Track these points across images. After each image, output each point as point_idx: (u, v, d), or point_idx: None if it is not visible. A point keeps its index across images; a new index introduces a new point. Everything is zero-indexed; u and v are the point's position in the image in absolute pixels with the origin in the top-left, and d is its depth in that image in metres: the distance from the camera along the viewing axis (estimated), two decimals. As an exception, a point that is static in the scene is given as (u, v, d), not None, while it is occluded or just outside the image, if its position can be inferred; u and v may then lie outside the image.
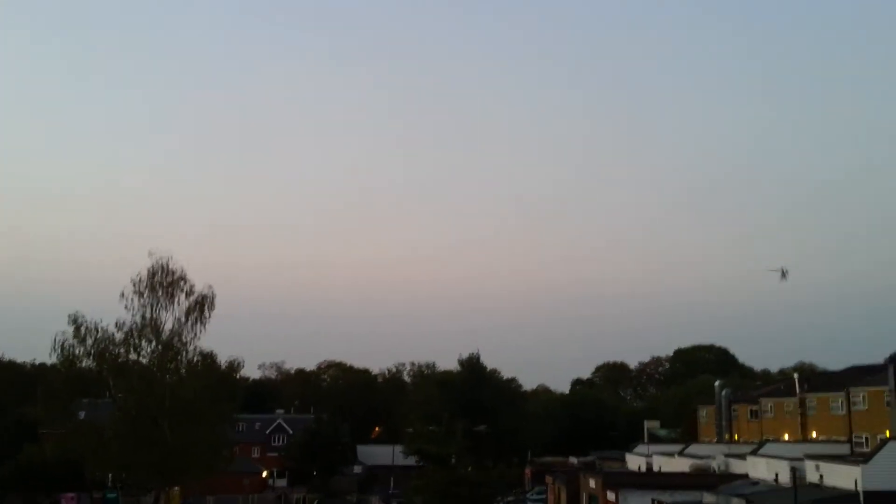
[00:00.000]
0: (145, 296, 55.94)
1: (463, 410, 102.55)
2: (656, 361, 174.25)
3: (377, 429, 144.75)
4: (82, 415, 61.08)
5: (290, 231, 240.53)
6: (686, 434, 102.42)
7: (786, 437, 76.92)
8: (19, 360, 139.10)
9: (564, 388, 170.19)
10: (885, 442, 45.49)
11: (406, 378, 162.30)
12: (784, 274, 72.69)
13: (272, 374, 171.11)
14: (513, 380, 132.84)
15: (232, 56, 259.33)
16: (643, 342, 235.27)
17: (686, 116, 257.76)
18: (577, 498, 64.95)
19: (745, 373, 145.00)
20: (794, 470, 46.67)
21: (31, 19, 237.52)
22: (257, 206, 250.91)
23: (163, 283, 56.21)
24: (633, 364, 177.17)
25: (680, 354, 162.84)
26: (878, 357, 68.62)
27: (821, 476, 45.45)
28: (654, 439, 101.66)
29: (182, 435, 54.33)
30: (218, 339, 58.32)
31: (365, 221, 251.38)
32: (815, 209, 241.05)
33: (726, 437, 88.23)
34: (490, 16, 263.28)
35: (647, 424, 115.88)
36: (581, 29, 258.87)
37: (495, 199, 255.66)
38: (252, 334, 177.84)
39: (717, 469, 60.93)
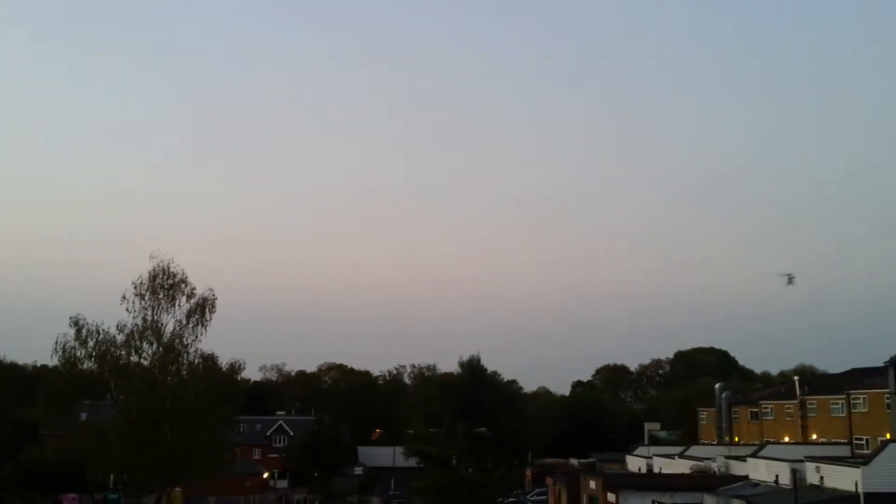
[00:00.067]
0: (146, 298, 55.92)
1: (463, 412, 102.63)
2: (657, 364, 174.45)
3: (378, 430, 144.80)
4: (83, 416, 60.94)
5: (290, 232, 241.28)
6: (686, 436, 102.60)
7: (786, 439, 77.02)
8: (19, 361, 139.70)
9: (565, 390, 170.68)
10: (885, 444, 45.59)
11: (407, 380, 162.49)
12: (791, 280, 72.61)
13: (273, 375, 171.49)
14: (513, 382, 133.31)
15: (232, 56, 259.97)
16: (643, 344, 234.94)
17: (686, 116, 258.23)
18: (577, 499, 65.01)
19: (745, 375, 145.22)
20: (794, 472, 46.82)
21: (31, 19, 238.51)
22: (257, 207, 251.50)
23: (164, 285, 56.18)
24: (633, 366, 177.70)
25: (680, 357, 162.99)
26: (878, 359, 68.65)
27: (821, 478, 45.54)
28: (655, 441, 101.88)
29: (183, 437, 54.33)
30: (219, 341, 58.44)
31: (365, 222, 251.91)
32: (815, 209, 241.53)
33: (727, 439, 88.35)
34: (490, 16, 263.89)
35: (647, 426, 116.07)
36: (581, 29, 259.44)
37: (495, 199, 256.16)
38: (253, 336, 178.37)
39: (717, 471, 60.98)
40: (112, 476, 73.83)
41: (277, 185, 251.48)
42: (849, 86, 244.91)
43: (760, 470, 53.18)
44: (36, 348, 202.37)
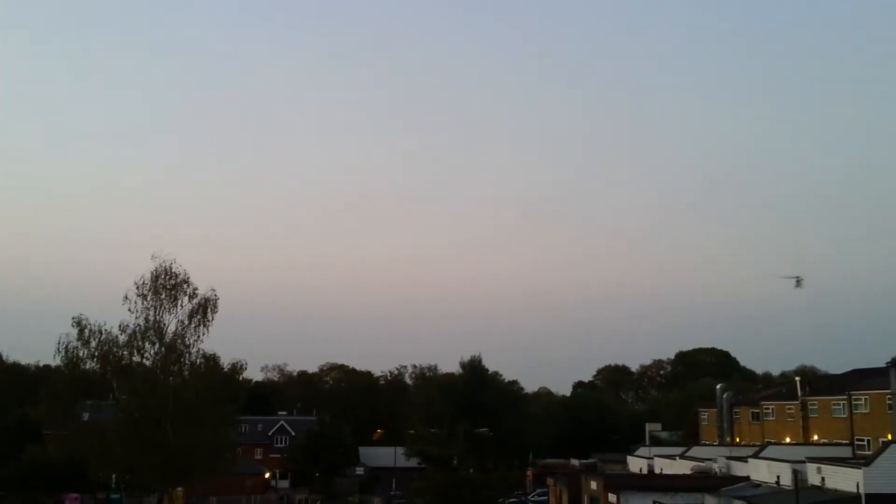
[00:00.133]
0: (149, 298, 56.06)
1: (464, 412, 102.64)
2: (658, 364, 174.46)
3: (379, 431, 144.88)
4: (86, 416, 61.12)
5: (290, 232, 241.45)
6: (687, 436, 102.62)
7: (787, 439, 77.01)
8: (21, 361, 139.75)
9: (566, 390, 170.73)
10: (886, 445, 45.56)
11: (408, 380, 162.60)
12: (799, 282, 71.81)
13: (275, 376, 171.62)
14: (514, 382, 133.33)
15: (232, 56, 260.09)
16: (645, 345, 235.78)
17: (686, 116, 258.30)
18: (578, 500, 64.98)
19: (746, 376, 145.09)
20: (795, 472, 46.84)
21: (31, 19, 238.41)
22: (257, 207, 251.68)
23: (166, 285, 56.32)
24: (634, 367, 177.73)
25: (681, 357, 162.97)
26: (879, 360, 68.78)
27: (822, 479, 45.56)
28: (656, 442, 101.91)
29: (185, 437, 54.46)
30: (221, 341, 58.59)
31: (365, 222, 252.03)
32: (815, 209, 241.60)
33: (728, 439, 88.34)
34: (490, 16, 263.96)
35: (648, 427, 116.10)
36: (581, 29, 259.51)
37: (495, 200, 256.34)
38: (254, 337, 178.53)
39: (718, 471, 61.01)
40: (114, 476, 73.99)
41: (277, 185, 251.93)
42: (849, 86, 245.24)
43: (762, 471, 53.19)
44: (36, 348, 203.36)
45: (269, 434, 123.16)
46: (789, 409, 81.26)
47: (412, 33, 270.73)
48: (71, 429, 58.17)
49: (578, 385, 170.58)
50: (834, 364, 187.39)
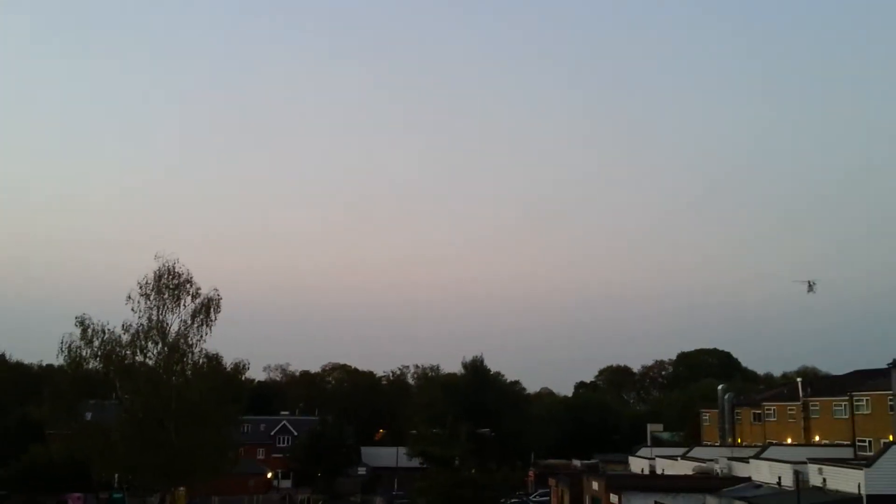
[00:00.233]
0: (152, 298, 56.12)
1: (467, 413, 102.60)
2: (659, 365, 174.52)
3: (381, 431, 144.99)
4: (89, 416, 61.27)
5: (291, 232, 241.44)
6: (689, 437, 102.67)
7: (789, 440, 77.04)
8: (24, 361, 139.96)
9: (568, 391, 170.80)
10: (888, 446, 45.59)
11: (410, 380, 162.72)
12: (811, 287, 70.79)
13: (277, 376, 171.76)
14: (516, 382, 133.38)
15: (232, 56, 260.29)
16: (646, 345, 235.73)
17: (686, 116, 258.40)
18: (580, 500, 65.07)
19: (748, 376, 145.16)
20: (797, 473, 46.92)
21: (31, 19, 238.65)
22: (258, 207, 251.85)
23: (169, 285, 56.39)
24: (636, 367, 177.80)
25: (683, 358, 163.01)
26: (881, 361, 68.73)
27: (824, 480, 45.62)
28: (658, 442, 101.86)
29: (188, 436, 54.56)
30: (223, 341, 58.69)
31: (365, 222, 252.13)
32: (815, 209, 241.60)
33: (729, 440, 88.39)
34: (490, 16, 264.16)
35: (650, 427, 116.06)
36: (581, 29, 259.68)
37: (495, 200, 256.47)
38: (257, 337, 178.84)
39: (720, 472, 61.08)
40: (117, 475, 74.03)
41: (278, 185, 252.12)
42: (849, 86, 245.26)
43: (763, 471, 53.27)
44: (37, 348, 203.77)
45: (272, 434, 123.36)
46: (791, 409, 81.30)
47: (412, 33, 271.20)
48: (74, 428, 58.22)
49: (580, 385, 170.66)
50: (835, 365, 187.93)
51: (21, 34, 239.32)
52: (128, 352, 55.60)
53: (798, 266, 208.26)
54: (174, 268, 56.65)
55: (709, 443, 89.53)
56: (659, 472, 70.39)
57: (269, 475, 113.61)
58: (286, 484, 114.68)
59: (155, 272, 56.32)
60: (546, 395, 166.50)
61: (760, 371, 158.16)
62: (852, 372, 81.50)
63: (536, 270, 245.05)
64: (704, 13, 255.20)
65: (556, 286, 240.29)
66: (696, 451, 71.72)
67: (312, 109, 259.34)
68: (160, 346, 55.91)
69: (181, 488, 65.97)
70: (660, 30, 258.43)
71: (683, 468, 65.24)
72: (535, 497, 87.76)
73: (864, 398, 68.39)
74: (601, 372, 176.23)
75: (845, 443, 67.21)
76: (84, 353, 54.58)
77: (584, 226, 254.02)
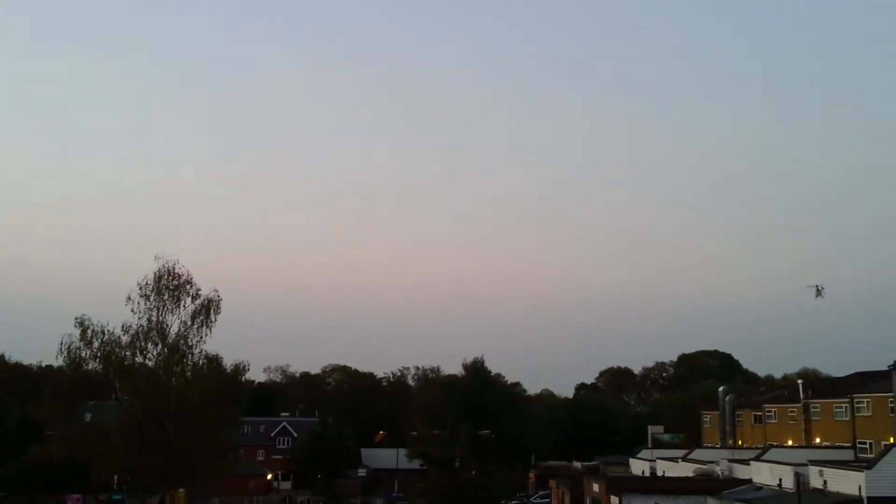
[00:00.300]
0: (151, 299, 55.96)
1: (467, 414, 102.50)
2: (660, 366, 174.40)
3: (381, 432, 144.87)
4: (88, 417, 61.14)
5: (291, 233, 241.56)
6: (690, 439, 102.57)
7: (789, 442, 76.96)
8: (23, 361, 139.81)
9: (568, 392, 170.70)
10: (888, 448, 45.55)
11: (410, 382, 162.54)
12: (819, 292, 69.97)
13: (277, 377, 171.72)
14: (517, 384, 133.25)
15: (232, 56, 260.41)
16: (647, 347, 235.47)
17: (686, 116, 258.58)
18: (580, 502, 64.95)
19: (748, 378, 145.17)
20: (797, 475, 46.83)
21: (31, 19, 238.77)
22: (258, 207, 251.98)
23: (169, 286, 56.22)
24: (637, 369, 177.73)
25: (684, 360, 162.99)
26: (882, 363, 68.63)
27: (824, 482, 45.53)
28: (658, 444, 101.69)
29: (188, 438, 54.40)
30: (223, 342, 58.53)
31: (365, 222, 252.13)
32: (815, 209, 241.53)
33: (730, 442, 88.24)
34: (490, 16, 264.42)
35: (650, 429, 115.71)
36: (581, 29, 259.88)
37: (495, 200, 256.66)
38: (257, 338, 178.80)
39: (720, 474, 60.96)
40: (116, 477, 73.85)
41: (278, 185, 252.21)
42: (849, 86, 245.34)
43: (764, 473, 53.19)
44: (37, 349, 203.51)
45: (272, 435, 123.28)
46: (791, 411, 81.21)
47: (412, 33, 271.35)
48: (73, 429, 58.09)
49: (580, 387, 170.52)
50: (836, 367, 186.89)
51: (21, 34, 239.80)
52: (127, 353, 55.42)
53: (798, 267, 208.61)
54: (174, 269, 56.49)
55: (709, 445, 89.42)
56: (659, 473, 70.28)
57: (269, 477, 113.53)
58: (286, 485, 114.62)
59: (155, 273, 56.17)
60: (546, 397, 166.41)
61: (761, 373, 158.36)
62: (853, 374, 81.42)
63: (536, 271, 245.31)
64: (704, 13, 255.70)
65: (556, 287, 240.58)
66: (697, 453, 71.66)
67: (312, 109, 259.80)
68: (160, 347, 55.76)
69: (181, 490, 65.95)
70: (660, 30, 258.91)
71: (684, 470, 65.13)
72: (535, 499, 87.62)
73: (865, 400, 68.31)
74: (602, 373, 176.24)
75: (846, 445, 67.14)
76: (84, 354, 54.40)
77: (584, 226, 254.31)
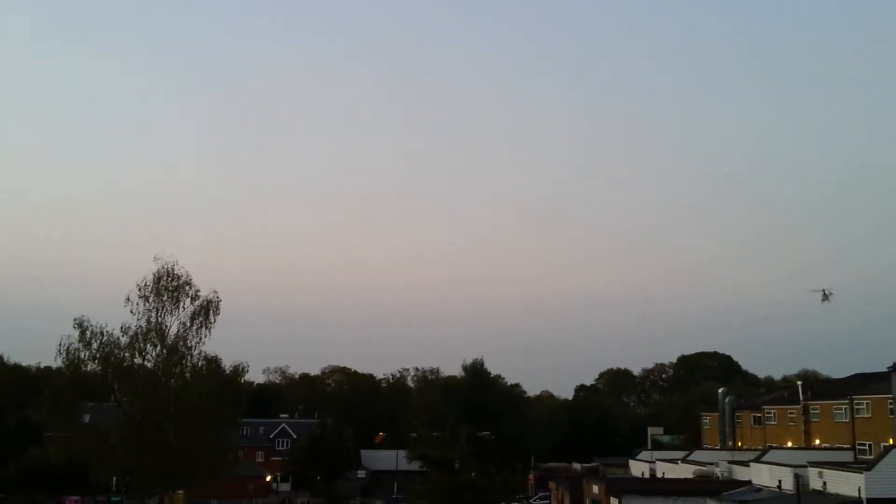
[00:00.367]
0: (150, 300, 55.92)
1: (467, 416, 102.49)
2: (660, 368, 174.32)
3: (381, 433, 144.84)
4: (87, 418, 61.06)
5: (291, 233, 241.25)
6: (689, 440, 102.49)
7: (789, 444, 76.92)
8: (22, 362, 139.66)
9: (568, 394, 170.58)
10: (888, 449, 45.47)
11: (410, 383, 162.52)
12: (826, 296, 69.41)
13: (276, 378, 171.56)
14: (516, 385, 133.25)
15: (232, 56, 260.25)
16: (647, 349, 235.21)
17: (686, 116, 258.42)
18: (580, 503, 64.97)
19: (748, 380, 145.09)
20: (797, 477, 46.75)
21: (31, 19, 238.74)
22: (257, 208, 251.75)
23: (168, 287, 56.20)
24: (636, 370, 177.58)
25: (683, 361, 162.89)
26: (881, 364, 68.63)
27: (824, 483, 45.47)
28: (658, 446, 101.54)
29: (187, 439, 54.33)
30: (222, 343, 58.44)
31: (365, 222, 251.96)
32: (816, 209, 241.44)
33: (730, 443, 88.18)
34: (490, 16, 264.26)
35: (650, 431, 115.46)
36: (581, 29, 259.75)
37: (495, 200, 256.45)
38: (256, 339, 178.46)
39: (720, 476, 60.85)
40: (115, 478, 73.91)
41: (278, 185, 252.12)
42: (849, 86, 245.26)
43: (763, 475, 53.13)
44: (36, 349, 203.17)
45: (271, 437, 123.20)
46: (791, 413, 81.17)
47: (412, 33, 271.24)
48: (72, 431, 58.03)
49: (580, 388, 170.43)
50: (836, 368, 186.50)
51: (21, 34, 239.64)
52: (126, 354, 55.42)
53: (798, 268, 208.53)
54: (173, 270, 56.47)
55: (709, 446, 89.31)
56: (659, 475, 70.19)
57: (269, 478, 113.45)
58: (285, 487, 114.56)
59: (154, 274, 56.14)
60: (546, 398, 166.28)
61: (761, 374, 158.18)
62: (853, 375, 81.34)
63: (536, 271, 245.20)
64: (704, 13, 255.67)
65: (556, 287, 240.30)
66: (697, 455, 71.55)
67: (312, 109, 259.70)
68: (159, 348, 55.73)
69: (180, 491, 65.80)
70: (660, 30, 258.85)
71: (684, 472, 65.03)
72: (535, 500, 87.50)
73: (865, 402, 68.27)
74: (601, 375, 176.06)
75: (845, 446, 67.10)
76: (82, 355, 54.37)
77: (584, 226, 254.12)
